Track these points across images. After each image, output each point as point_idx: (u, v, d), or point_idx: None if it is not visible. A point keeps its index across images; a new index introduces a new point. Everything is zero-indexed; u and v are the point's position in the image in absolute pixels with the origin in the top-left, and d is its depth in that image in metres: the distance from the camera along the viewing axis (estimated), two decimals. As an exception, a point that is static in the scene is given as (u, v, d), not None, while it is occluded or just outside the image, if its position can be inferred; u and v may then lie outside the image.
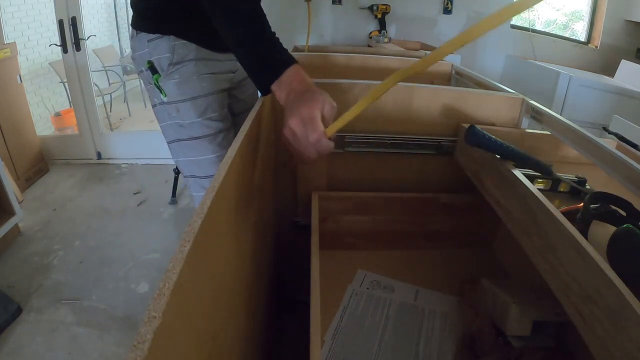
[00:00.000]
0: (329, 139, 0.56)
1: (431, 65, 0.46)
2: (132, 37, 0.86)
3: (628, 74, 2.22)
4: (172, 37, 0.81)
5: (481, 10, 2.31)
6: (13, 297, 1.32)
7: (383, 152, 0.84)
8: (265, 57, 0.61)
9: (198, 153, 0.87)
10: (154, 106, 0.88)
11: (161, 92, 0.83)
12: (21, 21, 2.98)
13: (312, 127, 0.53)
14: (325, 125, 0.55)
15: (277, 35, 0.64)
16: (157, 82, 0.83)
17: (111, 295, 1.40)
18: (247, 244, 0.55)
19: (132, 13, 0.87)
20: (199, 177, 0.89)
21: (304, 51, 1.44)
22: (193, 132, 0.85)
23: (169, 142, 0.90)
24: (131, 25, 0.86)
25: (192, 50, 0.82)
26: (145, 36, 0.82)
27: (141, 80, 0.89)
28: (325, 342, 0.65)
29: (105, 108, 3.39)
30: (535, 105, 0.80)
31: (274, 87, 0.60)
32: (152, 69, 0.83)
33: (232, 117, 0.96)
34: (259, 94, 0.74)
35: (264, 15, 0.64)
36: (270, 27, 0.63)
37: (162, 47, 0.81)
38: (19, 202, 1.78)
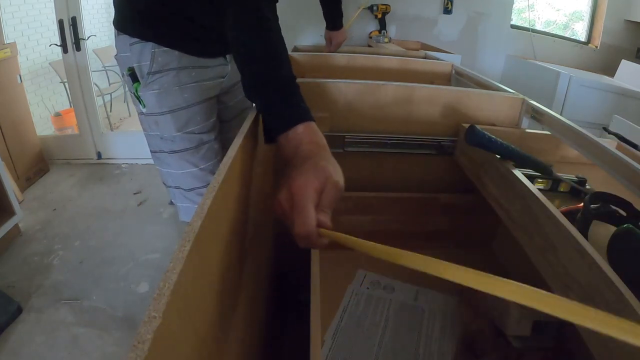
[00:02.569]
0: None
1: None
2: (115, 36, 0.80)
3: (628, 74, 2.22)
4: (152, 43, 0.74)
5: (481, 10, 2.31)
6: (13, 297, 1.32)
7: (383, 152, 0.84)
8: (279, 105, 0.53)
9: (179, 167, 0.83)
10: (138, 113, 0.84)
11: (140, 103, 0.78)
12: (21, 21, 2.98)
13: (300, 213, 0.42)
14: (322, 207, 0.45)
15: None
16: (136, 91, 0.77)
17: (111, 295, 1.40)
18: (247, 244, 0.55)
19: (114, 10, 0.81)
20: (183, 189, 0.85)
21: (304, 51, 1.44)
22: (174, 146, 0.81)
23: (151, 152, 0.87)
24: (113, 23, 0.80)
25: (174, 58, 0.75)
26: (127, 38, 0.75)
27: (126, 83, 0.84)
28: (325, 342, 0.65)
29: (106, 108, 3.39)
30: (535, 105, 0.80)
31: (281, 139, 0.52)
32: (133, 76, 0.77)
33: (221, 124, 0.92)
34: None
35: (285, 55, 0.56)
36: (290, 69, 0.56)
37: (143, 54, 0.75)
38: (19, 202, 1.78)
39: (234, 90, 0.94)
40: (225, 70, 0.86)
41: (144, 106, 0.78)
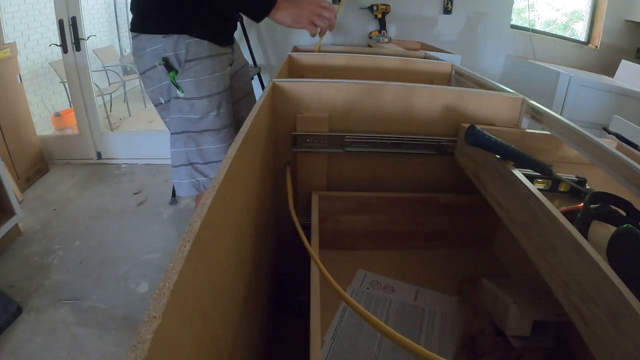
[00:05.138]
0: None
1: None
2: (136, 37, 0.88)
3: (628, 74, 2.22)
4: (185, 35, 0.85)
5: (481, 10, 2.31)
6: (13, 297, 1.32)
7: (383, 152, 0.84)
8: None
9: (200, 143, 0.93)
10: (167, 102, 0.92)
11: (178, 89, 0.88)
12: (21, 21, 2.98)
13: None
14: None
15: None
16: (173, 78, 0.87)
17: (111, 295, 1.40)
18: (247, 244, 0.55)
19: (132, 15, 0.89)
20: (198, 163, 0.95)
21: (303, 51, 1.44)
22: (202, 126, 0.92)
23: (174, 133, 0.94)
24: (135, 29, 0.88)
25: (204, 47, 0.88)
26: (156, 35, 0.85)
27: (146, 77, 0.92)
28: (325, 342, 0.65)
29: (105, 108, 3.39)
30: (535, 105, 0.80)
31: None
32: (167, 65, 0.87)
33: None
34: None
35: None
36: None
37: (179, 44, 0.86)
38: (19, 202, 1.78)
39: (238, 75, 1.09)
40: (231, 58, 1.02)
41: (182, 91, 0.88)
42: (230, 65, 1.00)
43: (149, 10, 0.86)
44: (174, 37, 0.85)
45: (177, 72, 0.87)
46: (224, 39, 0.94)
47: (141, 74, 0.92)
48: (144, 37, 0.87)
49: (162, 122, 0.99)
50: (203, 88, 0.89)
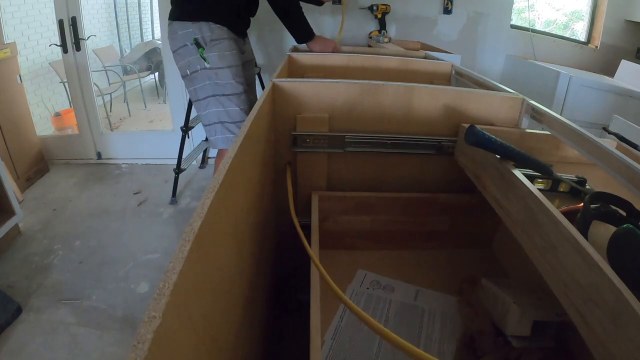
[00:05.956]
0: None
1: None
2: (170, 23, 1.22)
3: (628, 74, 2.22)
4: (211, 22, 1.19)
5: (481, 10, 2.31)
6: (13, 297, 1.32)
7: (383, 152, 0.84)
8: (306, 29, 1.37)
9: (227, 105, 1.23)
10: (192, 73, 1.22)
11: (205, 61, 1.20)
12: (21, 21, 2.98)
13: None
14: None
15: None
16: (202, 53, 1.20)
17: (111, 295, 1.40)
18: (247, 244, 0.55)
19: (172, 7, 1.25)
20: (227, 122, 1.25)
21: (304, 51, 1.44)
22: (226, 90, 1.22)
23: (202, 99, 1.24)
24: (171, 18, 1.22)
25: (224, 31, 1.22)
26: (188, 23, 1.18)
27: (176, 55, 1.24)
28: (325, 342, 0.65)
29: (105, 108, 3.39)
30: (535, 105, 0.80)
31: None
32: (197, 43, 1.19)
33: None
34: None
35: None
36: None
37: (205, 29, 1.19)
38: (19, 202, 1.78)
39: (248, 65, 1.40)
40: (245, 48, 1.39)
41: (208, 63, 1.20)
42: (243, 53, 1.32)
43: (182, 3, 1.19)
44: (202, 23, 1.17)
45: (204, 49, 1.18)
46: (238, 29, 1.29)
47: (173, 51, 1.23)
48: (176, 24, 1.19)
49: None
50: (224, 60, 1.20)
